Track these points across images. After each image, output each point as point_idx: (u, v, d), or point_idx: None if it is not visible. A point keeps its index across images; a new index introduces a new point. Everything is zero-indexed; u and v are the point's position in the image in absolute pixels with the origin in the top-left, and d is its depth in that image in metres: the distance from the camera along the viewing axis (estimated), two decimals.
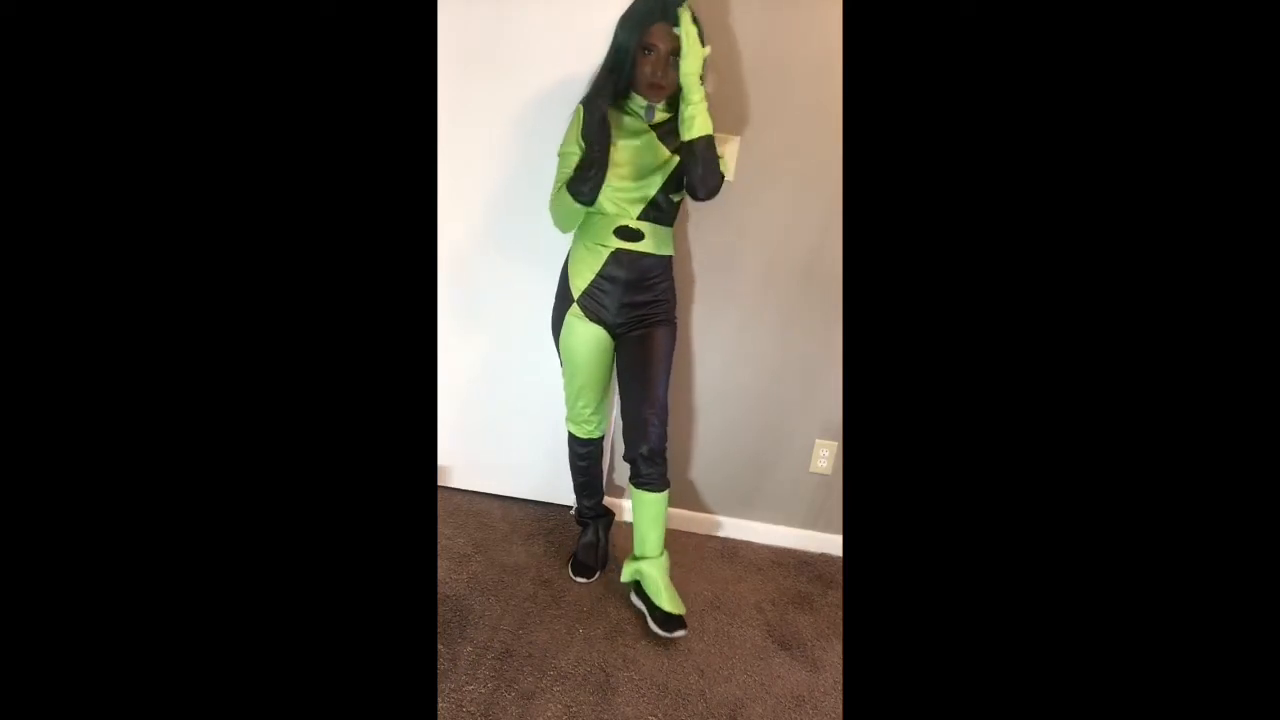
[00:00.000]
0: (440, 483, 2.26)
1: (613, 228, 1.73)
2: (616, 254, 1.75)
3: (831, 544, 2.27)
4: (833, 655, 1.84)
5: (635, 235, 1.74)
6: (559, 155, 1.75)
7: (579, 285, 1.79)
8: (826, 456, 2.14)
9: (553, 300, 1.86)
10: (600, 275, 1.76)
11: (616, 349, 1.85)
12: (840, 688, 1.79)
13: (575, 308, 1.80)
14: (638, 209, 1.74)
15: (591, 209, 1.73)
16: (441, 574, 1.87)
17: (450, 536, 2.04)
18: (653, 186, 1.72)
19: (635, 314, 1.79)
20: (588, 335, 1.82)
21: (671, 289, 1.85)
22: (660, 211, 1.75)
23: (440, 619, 1.71)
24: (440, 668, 1.57)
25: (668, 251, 1.82)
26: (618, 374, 1.86)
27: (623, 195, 1.72)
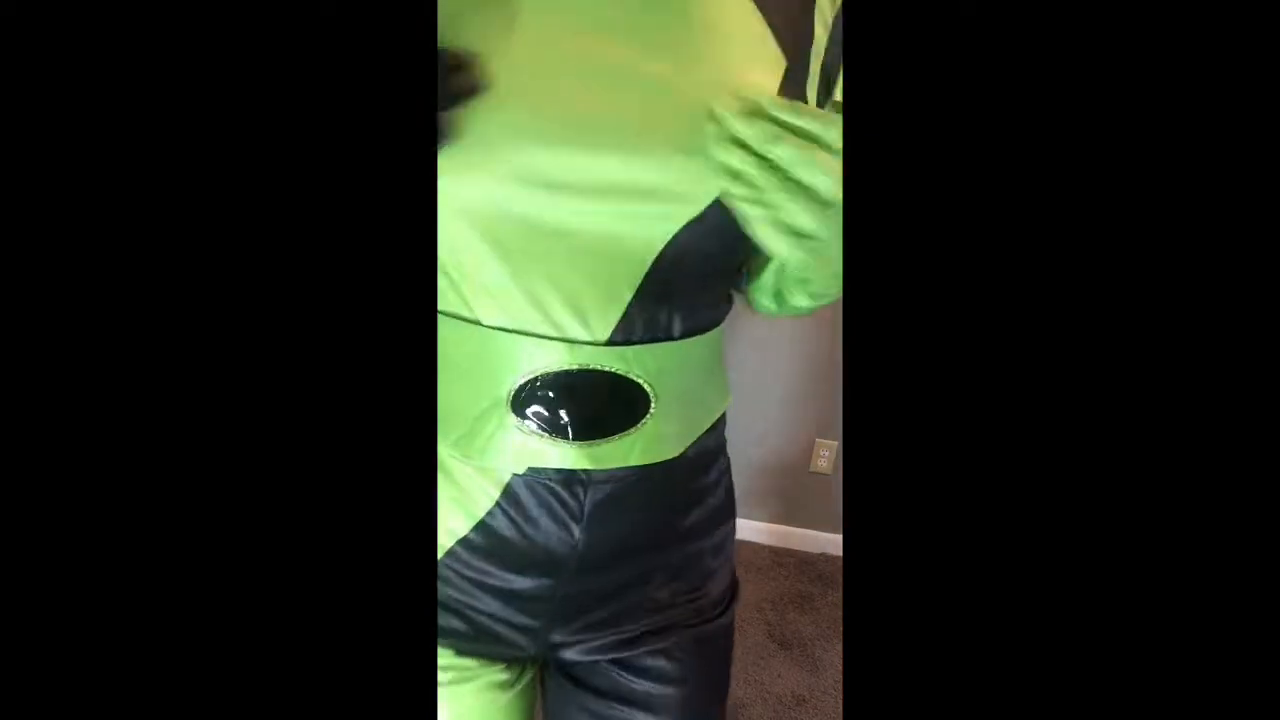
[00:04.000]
0: None
1: (507, 386, 0.45)
2: (528, 485, 0.50)
3: (831, 544, 2.27)
4: (833, 655, 1.84)
5: (614, 419, 0.46)
6: None
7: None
8: (826, 456, 2.14)
9: None
10: (491, 520, 0.51)
11: (545, 700, 0.65)
12: (840, 688, 1.79)
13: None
14: (611, 314, 0.45)
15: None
16: None
17: None
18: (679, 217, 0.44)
19: (618, 606, 0.59)
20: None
21: (727, 505, 0.69)
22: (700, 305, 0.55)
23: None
24: None
25: (715, 412, 0.64)
26: None
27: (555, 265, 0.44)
